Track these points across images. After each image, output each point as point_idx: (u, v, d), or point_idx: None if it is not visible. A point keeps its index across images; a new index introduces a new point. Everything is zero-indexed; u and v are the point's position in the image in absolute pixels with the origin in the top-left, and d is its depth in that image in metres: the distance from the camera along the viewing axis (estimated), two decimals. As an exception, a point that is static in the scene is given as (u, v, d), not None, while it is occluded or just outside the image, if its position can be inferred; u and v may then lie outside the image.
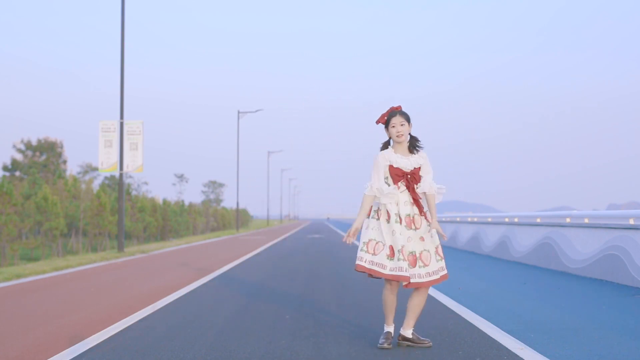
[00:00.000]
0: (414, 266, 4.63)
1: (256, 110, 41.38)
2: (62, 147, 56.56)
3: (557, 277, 9.63)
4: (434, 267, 4.68)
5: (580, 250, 9.93)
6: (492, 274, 10.41)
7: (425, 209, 4.78)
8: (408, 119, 4.76)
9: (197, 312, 6.35)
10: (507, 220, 13.94)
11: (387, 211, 4.70)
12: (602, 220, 9.49)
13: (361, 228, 4.81)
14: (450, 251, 16.75)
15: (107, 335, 5.22)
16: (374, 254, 4.66)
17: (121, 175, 17.45)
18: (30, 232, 36.18)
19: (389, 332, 4.76)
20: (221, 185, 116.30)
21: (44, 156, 55.27)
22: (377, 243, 4.68)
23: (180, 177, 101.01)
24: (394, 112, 4.76)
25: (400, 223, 4.67)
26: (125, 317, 6.09)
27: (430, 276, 4.65)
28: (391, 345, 4.70)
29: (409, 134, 4.80)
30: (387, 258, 4.64)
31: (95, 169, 57.84)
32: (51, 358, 4.50)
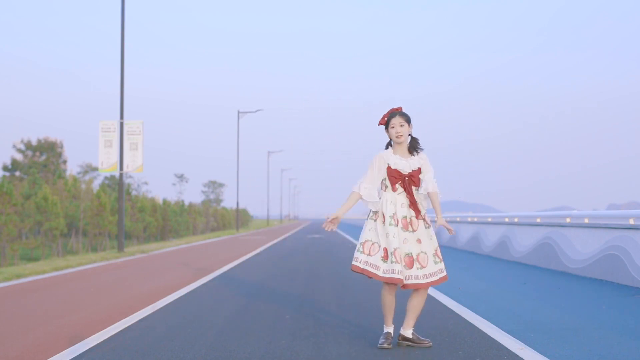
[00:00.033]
0: (411, 268, 4.63)
1: (256, 110, 41.39)
2: (62, 147, 56.56)
3: (557, 277, 9.63)
4: (432, 269, 4.68)
5: (580, 250, 9.93)
6: (492, 274, 10.41)
7: (423, 212, 4.78)
8: (408, 120, 4.75)
9: (197, 312, 6.35)
10: (507, 220, 13.94)
11: (383, 213, 4.71)
12: (602, 220, 9.49)
13: (341, 218, 4.82)
14: (450, 251, 16.74)
15: (107, 335, 5.22)
16: (369, 254, 4.69)
17: (121, 175, 17.45)
18: (30, 232, 36.18)
19: (388, 333, 4.76)
20: (221, 185, 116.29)
21: (44, 156, 55.27)
22: (372, 244, 4.71)
23: (180, 177, 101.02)
24: (394, 113, 4.76)
25: (397, 225, 4.67)
26: (125, 317, 6.09)
27: (427, 278, 4.65)
28: (391, 346, 4.70)
29: (410, 135, 4.81)
30: (382, 260, 4.66)
31: (95, 169, 57.84)
32: (51, 358, 4.50)
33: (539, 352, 4.53)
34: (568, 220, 10.70)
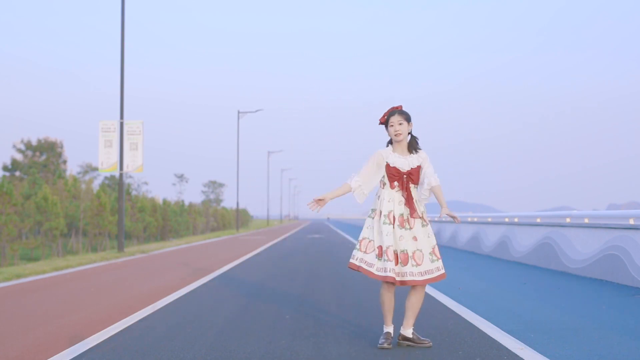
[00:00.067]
0: (406, 265, 4.64)
1: (256, 110, 41.38)
2: (62, 147, 56.55)
3: (557, 277, 9.63)
4: (429, 266, 4.67)
5: (580, 250, 9.93)
6: (492, 274, 10.41)
7: (421, 210, 4.78)
8: (407, 119, 4.76)
9: (197, 312, 6.35)
10: (507, 220, 13.94)
11: (380, 211, 4.73)
12: (602, 220, 9.49)
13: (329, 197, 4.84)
14: (450, 251, 16.75)
15: (107, 335, 5.22)
16: (365, 252, 4.75)
17: (121, 175, 17.45)
18: (30, 232, 36.18)
19: (388, 333, 4.76)
20: (221, 185, 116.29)
21: (44, 156, 55.26)
22: (369, 242, 4.76)
23: (180, 177, 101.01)
24: (393, 111, 4.78)
25: (393, 223, 4.69)
26: (125, 317, 6.09)
27: (423, 275, 4.65)
28: (391, 345, 4.70)
29: (410, 133, 4.81)
30: (376, 257, 4.69)
31: (95, 169, 57.84)
32: (51, 358, 4.50)
33: (539, 352, 4.53)
34: (568, 220, 10.70)
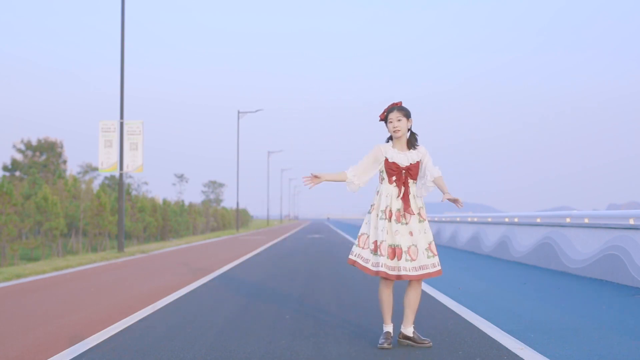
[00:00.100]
0: (400, 259, 4.65)
1: (256, 110, 41.38)
2: (62, 147, 56.56)
3: (557, 277, 9.63)
4: (424, 262, 4.67)
5: (580, 250, 9.93)
6: (492, 274, 10.41)
7: (418, 205, 4.78)
8: (406, 115, 4.77)
9: (197, 312, 6.35)
10: (507, 220, 13.94)
11: (378, 206, 4.77)
12: (602, 220, 9.49)
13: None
14: (450, 251, 16.75)
15: (107, 335, 5.22)
16: (362, 248, 4.79)
17: (121, 175, 17.45)
18: (30, 232, 36.18)
19: (388, 332, 4.77)
20: (221, 185, 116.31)
21: (44, 156, 55.26)
22: (367, 237, 4.79)
23: (180, 177, 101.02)
24: (392, 108, 4.80)
25: (390, 218, 4.71)
26: (125, 317, 6.09)
27: (417, 270, 4.65)
28: (391, 345, 4.70)
29: (409, 129, 4.82)
30: (372, 253, 4.73)
31: (95, 169, 57.84)
32: (51, 358, 4.50)
33: (539, 352, 4.53)
34: (568, 220, 10.70)
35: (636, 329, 5.43)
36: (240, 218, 56.85)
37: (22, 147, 55.16)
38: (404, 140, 4.82)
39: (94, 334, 5.31)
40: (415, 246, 4.68)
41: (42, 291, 8.46)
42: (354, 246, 4.84)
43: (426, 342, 4.75)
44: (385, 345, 4.67)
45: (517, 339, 5.00)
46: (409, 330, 4.80)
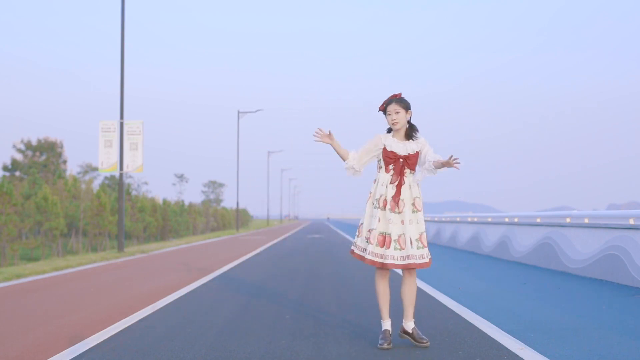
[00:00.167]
0: (389, 248, 4.67)
1: (256, 110, 41.37)
2: (62, 147, 56.56)
3: (557, 277, 9.63)
4: (412, 252, 4.67)
5: (580, 250, 9.93)
6: (492, 274, 10.41)
7: (413, 195, 4.77)
8: (405, 107, 4.79)
9: (197, 312, 6.35)
10: (507, 220, 13.94)
11: (374, 194, 4.82)
12: (602, 220, 9.48)
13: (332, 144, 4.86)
14: (450, 251, 16.75)
15: (107, 335, 5.22)
16: (359, 236, 4.88)
17: (121, 175, 17.45)
18: (30, 232, 36.17)
19: (387, 331, 4.76)
20: (221, 185, 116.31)
21: (44, 156, 55.27)
22: (363, 226, 4.88)
23: (180, 177, 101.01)
24: (391, 100, 4.82)
25: (384, 207, 4.75)
26: (125, 317, 6.09)
27: (405, 260, 4.67)
28: (391, 345, 4.70)
29: (409, 121, 4.82)
30: (366, 241, 4.79)
31: (95, 169, 57.84)
32: (51, 358, 4.50)
33: (539, 352, 4.53)
34: (568, 220, 10.69)
35: (636, 329, 5.43)
36: (240, 218, 56.85)
37: (22, 147, 55.17)
38: (403, 132, 4.84)
39: (94, 334, 5.31)
40: (405, 235, 4.69)
41: (42, 291, 8.46)
42: (355, 236, 4.92)
43: (424, 341, 4.74)
44: (385, 345, 4.67)
45: (517, 339, 5.00)
46: (408, 325, 4.81)
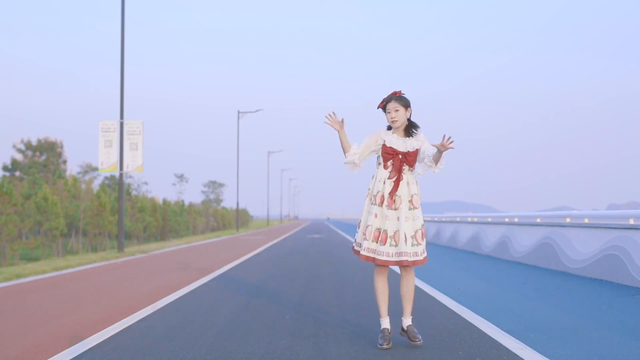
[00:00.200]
0: (384, 244, 4.68)
1: (256, 110, 41.36)
2: (62, 147, 56.56)
3: (557, 277, 9.63)
4: (406, 249, 4.66)
5: (580, 250, 9.93)
6: (492, 274, 10.41)
7: (410, 193, 4.76)
8: (405, 105, 4.78)
9: (197, 312, 6.35)
10: (507, 220, 13.94)
11: (372, 191, 4.84)
12: (602, 220, 9.48)
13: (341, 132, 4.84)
14: (450, 251, 16.74)
15: (107, 335, 5.22)
16: (358, 232, 4.91)
17: (121, 175, 17.45)
18: (30, 232, 36.17)
19: (386, 329, 4.76)
20: (221, 185, 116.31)
21: (44, 156, 55.26)
22: (360, 222, 4.91)
23: (180, 177, 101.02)
24: (390, 98, 4.82)
25: (382, 204, 4.75)
26: (125, 317, 6.09)
27: (398, 256, 4.67)
28: (390, 345, 4.70)
29: (408, 119, 4.82)
30: (363, 237, 4.80)
31: (95, 169, 57.84)
32: (51, 358, 4.50)
33: (539, 352, 4.53)
34: (568, 220, 10.69)
35: (636, 329, 5.43)
36: (240, 218, 56.84)
37: (22, 147, 55.17)
38: (402, 129, 4.84)
39: (94, 334, 5.31)
40: (399, 232, 4.69)
41: (42, 291, 8.46)
42: (356, 234, 4.94)
43: (416, 340, 4.71)
44: (385, 346, 4.67)
45: (517, 339, 5.00)
46: (405, 321, 4.82)
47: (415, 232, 4.72)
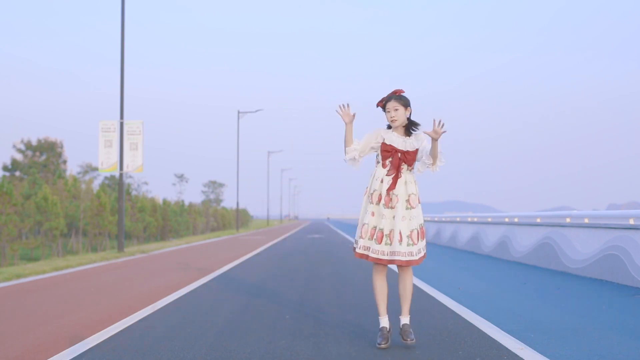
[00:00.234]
0: (380, 243, 4.69)
1: (256, 110, 41.36)
2: (62, 147, 56.57)
3: (557, 277, 9.63)
4: (399, 248, 4.65)
5: (580, 250, 9.93)
6: (492, 274, 10.41)
7: (408, 192, 4.75)
8: (405, 104, 4.77)
9: (197, 312, 6.35)
10: (507, 220, 13.94)
11: (369, 189, 4.84)
12: (602, 220, 9.49)
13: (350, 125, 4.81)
14: (450, 251, 16.74)
15: (107, 335, 5.22)
16: (357, 230, 4.91)
17: (121, 175, 17.44)
18: (30, 232, 36.18)
19: (384, 328, 4.76)
20: (221, 185, 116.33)
21: (44, 156, 55.27)
22: (359, 220, 4.93)
23: (180, 177, 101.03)
24: (390, 97, 4.80)
25: (379, 202, 4.75)
26: (125, 317, 6.09)
27: (392, 255, 4.66)
28: (389, 344, 4.69)
29: (408, 118, 4.81)
30: (360, 236, 4.81)
31: (95, 169, 57.84)
32: (51, 358, 4.50)
33: (539, 352, 4.53)
34: (568, 220, 10.69)
35: (636, 329, 5.43)
36: (240, 218, 56.84)
37: (22, 147, 55.18)
38: (402, 129, 4.83)
39: (94, 334, 5.31)
40: (394, 231, 4.68)
41: (42, 291, 8.46)
42: (356, 234, 4.95)
43: (408, 339, 4.70)
44: (383, 345, 4.67)
45: (517, 339, 5.00)
46: (402, 321, 4.80)
47: (411, 231, 4.70)
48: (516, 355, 4.45)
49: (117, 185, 26.80)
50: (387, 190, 4.73)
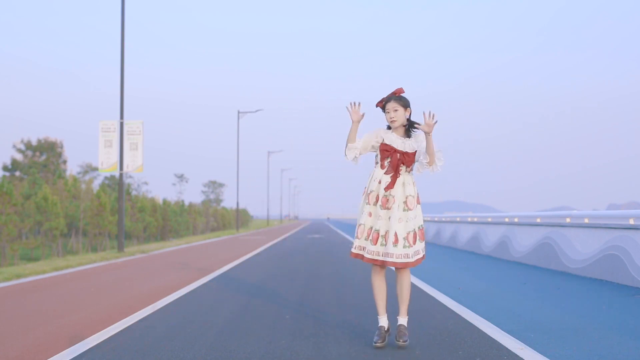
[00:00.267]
0: (375, 244, 4.70)
1: (256, 110, 41.36)
2: (62, 147, 56.57)
3: (557, 277, 9.63)
4: (394, 250, 4.63)
5: (580, 250, 9.93)
6: (492, 274, 10.41)
7: (410, 193, 4.75)
8: (404, 105, 4.76)
9: (197, 312, 6.35)
10: (507, 220, 13.94)
11: (367, 190, 4.84)
12: (602, 220, 9.49)
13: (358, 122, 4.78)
14: (450, 251, 16.75)
15: (107, 335, 5.22)
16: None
17: (121, 175, 17.44)
18: (30, 232, 36.18)
19: (382, 327, 4.76)
20: (221, 185, 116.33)
21: (44, 156, 55.27)
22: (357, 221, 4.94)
23: (180, 177, 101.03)
24: (390, 98, 4.80)
25: (376, 203, 4.76)
26: (125, 317, 6.09)
27: (386, 257, 4.65)
28: (385, 343, 4.69)
29: (408, 119, 4.81)
30: (356, 236, 4.82)
31: (95, 169, 57.84)
32: (51, 358, 4.50)
33: (539, 352, 4.53)
34: (568, 220, 10.69)
35: (636, 329, 5.43)
36: (240, 218, 56.85)
37: (22, 147, 55.18)
38: (402, 130, 4.83)
39: (94, 334, 5.31)
40: (388, 232, 4.67)
41: (42, 291, 8.45)
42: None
43: (399, 340, 4.68)
44: (379, 344, 4.66)
45: (517, 339, 5.00)
46: (399, 321, 4.79)
47: (408, 233, 4.68)
48: (516, 355, 4.45)
49: (117, 185, 26.82)
50: (385, 187, 4.73)
